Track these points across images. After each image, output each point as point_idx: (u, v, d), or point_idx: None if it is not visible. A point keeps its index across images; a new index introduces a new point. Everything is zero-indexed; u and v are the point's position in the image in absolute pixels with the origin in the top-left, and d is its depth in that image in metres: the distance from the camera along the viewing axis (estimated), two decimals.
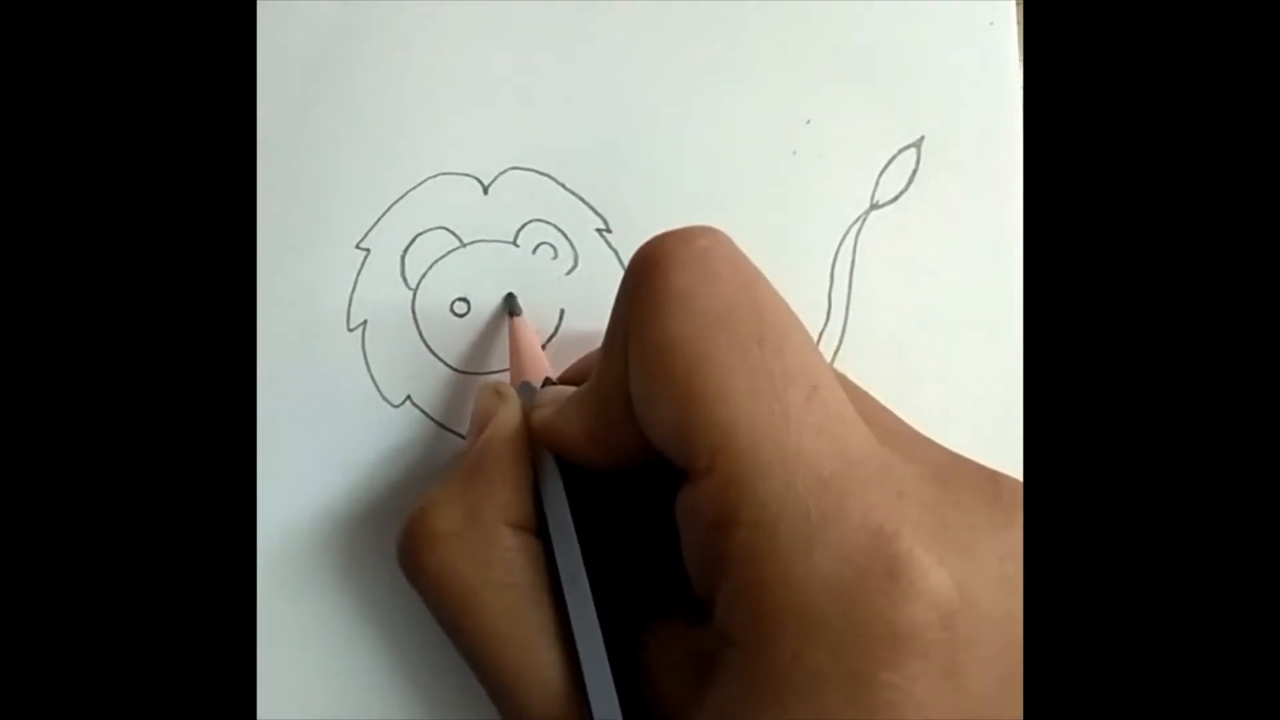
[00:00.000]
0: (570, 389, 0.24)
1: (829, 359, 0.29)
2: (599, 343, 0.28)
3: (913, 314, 0.29)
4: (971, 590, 0.18)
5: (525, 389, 0.25)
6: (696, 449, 0.19)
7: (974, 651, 0.17)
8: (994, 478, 0.20)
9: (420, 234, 0.29)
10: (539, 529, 0.23)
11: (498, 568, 0.22)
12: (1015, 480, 0.20)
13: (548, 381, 0.26)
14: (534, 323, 0.29)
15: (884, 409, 0.23)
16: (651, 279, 0.20)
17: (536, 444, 0.23)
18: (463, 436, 0.28)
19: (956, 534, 0.18)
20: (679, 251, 0.20)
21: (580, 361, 0.27)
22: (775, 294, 0.20)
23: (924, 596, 0.17)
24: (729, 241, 0.21)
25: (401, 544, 0.23)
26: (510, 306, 0.28)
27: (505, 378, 0.28)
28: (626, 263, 0.21)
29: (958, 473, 0.20)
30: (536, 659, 0.21)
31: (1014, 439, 0.28)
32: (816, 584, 0.17)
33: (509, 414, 0.24)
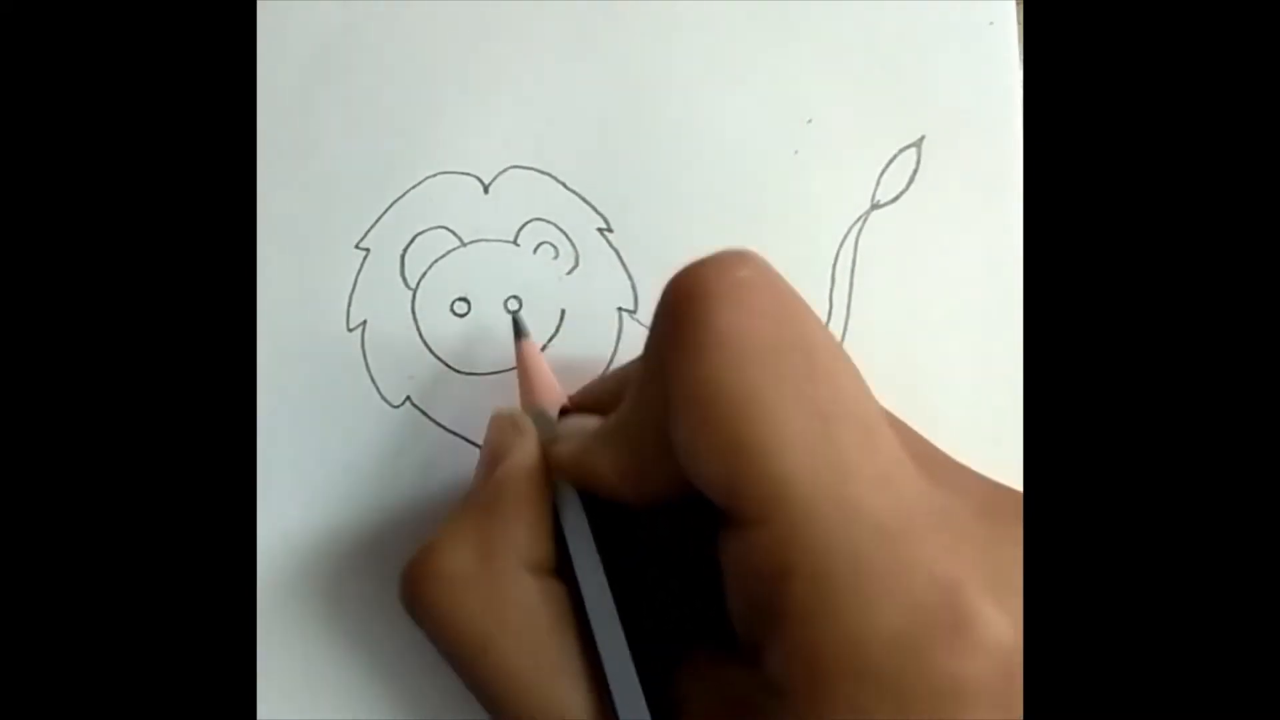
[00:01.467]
0: (591, 419, 0.23)
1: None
2: (600, 345, 0.28)
3: (913, 314, 0.29)
4: (1021, 627, 0.17)
5: (542, 420, 0.24)
6: (748, 498, 0.18)
7: (1022, 686, 0.17)
8: None
9: (420, 233, 0.29)
10: (558, 567, 0.22)
11: (515, 613, 0.21)
12: None
13: (563, 409, 0.25)
14: (534, 322, 0.28)
15: (920, 439, 0.22)
16: (691, 317, 0.19)
17: (556, 478, 0.22)
18: (462, 437, 0.28)
19: (1009, 573, 0.18)
20: (719, 285, 0.19)
21: (596, 385, 0.26)
22: (821, 325, 0.20)
23: (988, 646, 0.17)
24: (770, 269, 0.20)
25: (407, 583, 0.22)
26: (517, 327, 0.26)
27: (505, 379, 0.28)
28: (662, 292, 0.20)
29: (1003, 505, 0.19)
30: (560, 702, 0.21)
31: (1014, 439, 0.28)
32: (878, 639, 0.17)
33: (527, 448, 0.23)
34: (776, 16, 0.29)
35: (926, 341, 0.29)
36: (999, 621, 0.17)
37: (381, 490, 0.28)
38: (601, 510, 0.22)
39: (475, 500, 0.23)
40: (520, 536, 0.22)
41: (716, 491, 0.19)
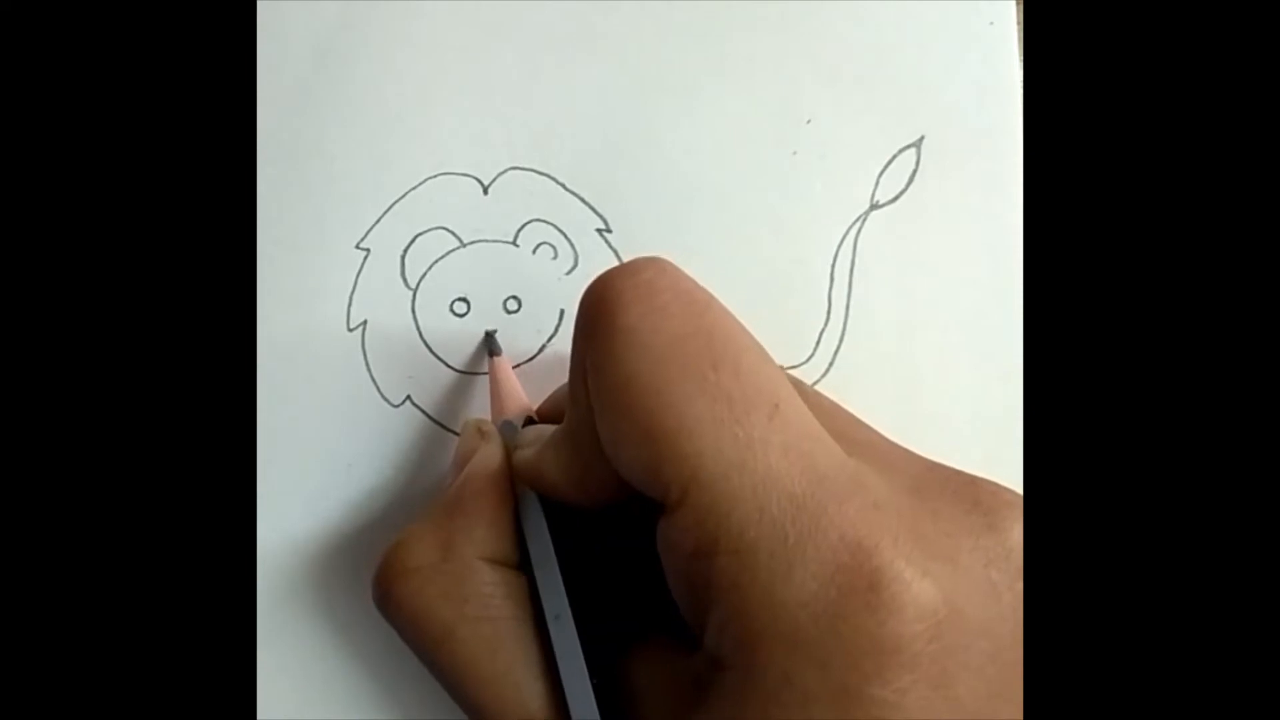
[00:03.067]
0: (546, 428, 0.24)
1: (829, 359, 0.29)
2: None
3: (913, 314, 0.29)
4: (957, 599, 0.18)
5: (507, 428, 0.26)
6: (667, 483, 0.19)
7: (963, 660, 0.17)
8: (972, 483, 0.20)
9: (420, 234, 0.29)
10: (521, 563, 0.23)
11: (474, 602, 0.22)
12: (993, 484, 0.20)
13: (529, 420, 0.26)
14: (534, 322, 0.29)
15: (854, 420, 0.23)
16: (601, 318, 0.20)
17: (519, 482, 0.24)
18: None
19: (937, 543, 0.18)
20: (624, 287, 0.20)
21: (556, 393, 0.27)
22: (728, 316, 0.20)
23: (908, 609, 0.17)
24: (675, 270, 0.21)
25: (376, 580, 0.23)
26: (490, 346, 0.28)
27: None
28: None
29: (934, 481, 0.20)
30: (519, 692, 0.21)
31: (1014, 439, 0.28)
32: (800, 604, 0.17)
33: (489, 452, 0.24)
34: (776, 16, 0.29)
35: (926, 341, 0.29)
36: (920, 583, 0.17)
37: (381, 489, 0.28)
38: (564, 514, 0.23)
39: (438, 502, 0.24)
40: (481, 533, 0.23)
41: (640, 481, 0.20)
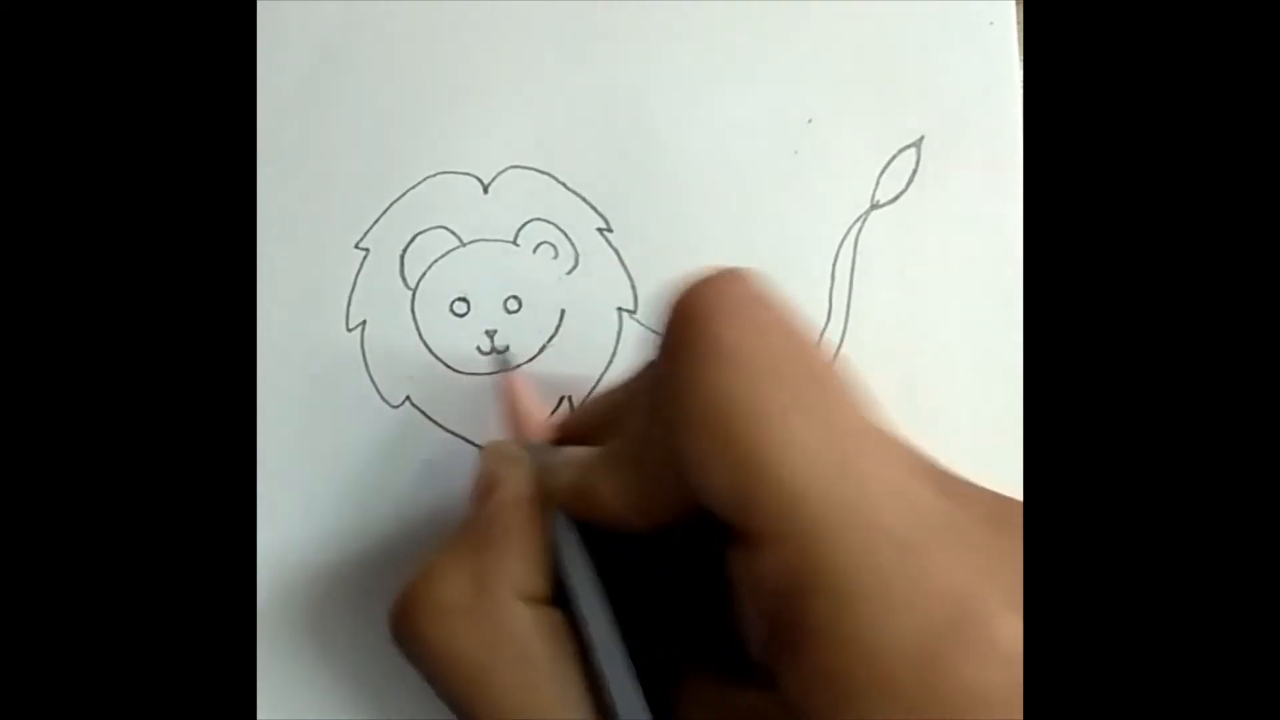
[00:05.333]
0: (585, 449, 0.23)
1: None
2: (599, 345, 0.28)
3: (913, 314, 0.29)
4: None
5: (535, 451, 0.24)
6: (762, 514, 0.18)
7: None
8: None
9: (420, 233, 0.29)
10: (555, 597, 0.21)
11: (510, 645, 0.21)
12: None
13: (557, 441, 0.25)
14: (534, 322, 0.28)
15: (920, 451, 0.21)
16: (697, 334, 0.19)
17: (549, 509, 0.22)
18: (462, 437, 0.28)
19: (1017, 581, 0.18)
20: (722, 301, 0.19)
21: (582, 414, 0.26)
22: (815, 341, 0.19)
23: (1001, 655, 0.17)
24: (768, 285, 0.20)
25: (398, 616, 0.21)
26: (504, 361, 0.27)
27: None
28: (667, 307, 0.20)
29: (1006, 515, 0.19)
30: None
31: (1014, 439, 0.28)
32: (896, 653, 0.17)
33: (520, 478, 0.23)
34: (776, 16, 0.29)
35: (926, 341, 0.29)
36: (1012, 630, 0.17)
37: (381, 490, 0.28)
38: (596, 540, 0.22)
39: (467, 531, 0.22)
40: (515, 567, 0.21)
41: (729, 509, 0.18)
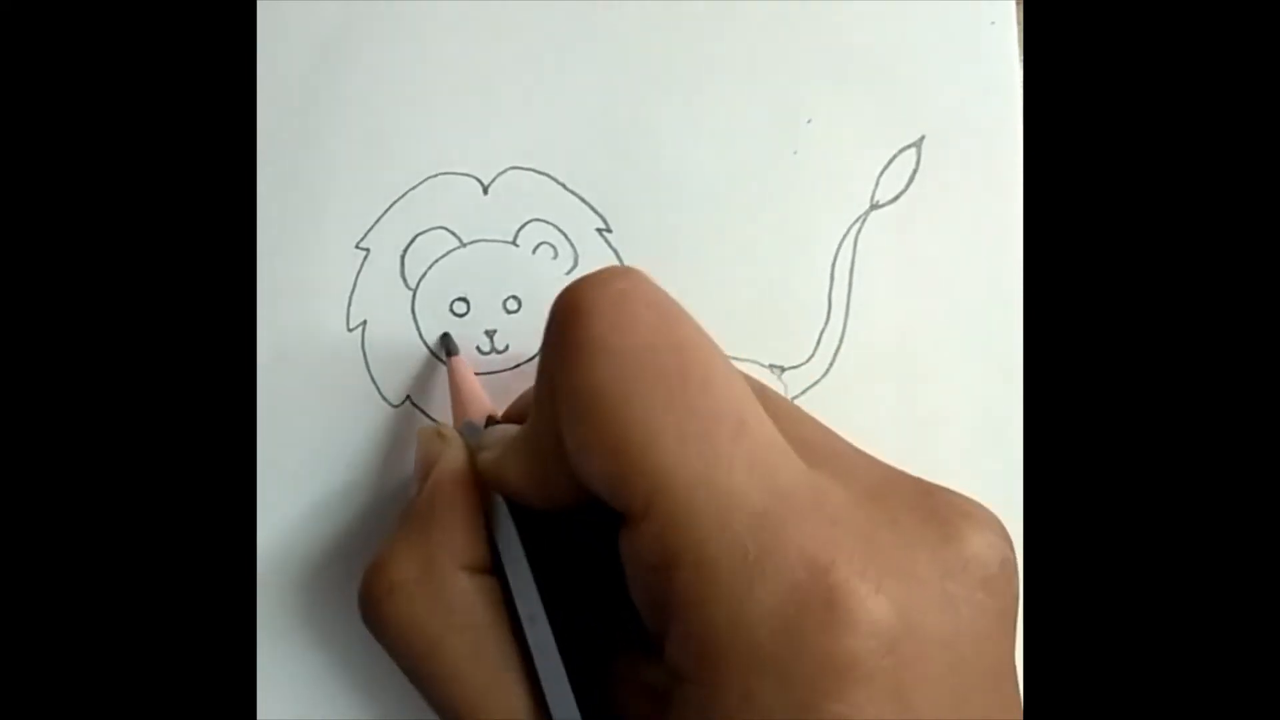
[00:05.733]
0: (512, 428, 0.24)
1: (829, 359, 0.29)
2: None
3: (913, 314, 0.29)
4: (913, 613, 0.18)
5: (469, 429, 0.25)
6: (631, 494, 0.19)
7: (920, 672, 0.17)
8: (929, 493, 0.20)
9: (420, 234, 0.29)
10: (495, 568, 0.23)
11: (457, 612, 0.22)
12: (951, 493, 0.20)
13: (491, 421, 0.26)
14: (534, 322, 0.28)
15: (818, 426, 0.23)
16: (571, 327, 0.20)
17: (485, 484, 0.23)
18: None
19: (894, 556, 0.18)
20: (596, 297, 0.20)
21: (522, 398, 0.27)
22: (698, 330, 0.20)
23: (862, 625, 0.17)
24: (647, 282, 0.21)
25: (362, 598, 0.23)
26: (447, 346, 0.28)
27: (504, 379, 0.28)
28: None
29: (892, 490, 0.20)
30: (504, 700, 0.21)
31: (1014, 439, 0.28)
32: (760, 621, 0.17)
33: (453, 456, 0.24)
34: (776, 16, 0.29)
35: (926, 341, 0.29)
36: (873, 600, 0.17)
37: (381, 489, 0.28)
38: (536, 517, 0.23)
39: (409, 512, 0.24)
40: (456, 540, 0.23)
41: (604, 491, 0.19)
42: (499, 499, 0.23)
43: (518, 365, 0.28)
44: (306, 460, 0.28)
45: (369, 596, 0.23)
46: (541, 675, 0.21)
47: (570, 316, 0.20)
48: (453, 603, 0.22)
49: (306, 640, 0.28)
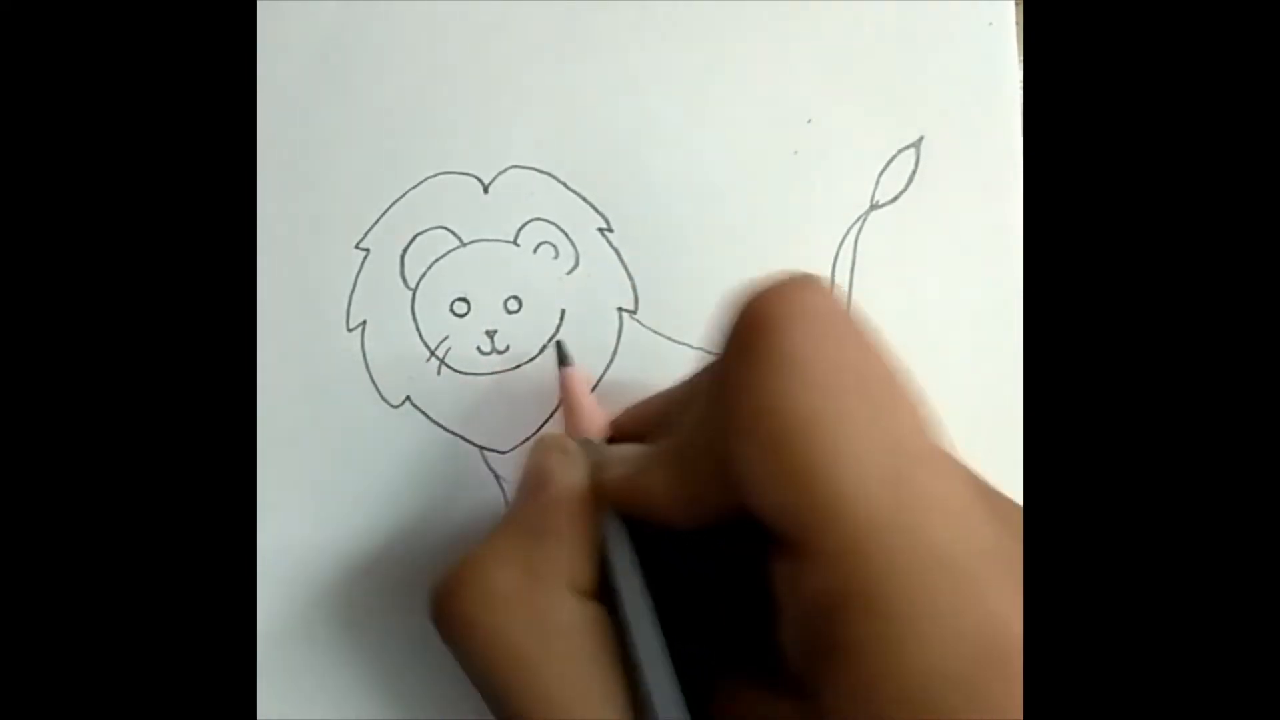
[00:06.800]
0: (637, 447, 0.23)
1: None
2: (600, 345, 0.28)
3: (912, 314, 0.29)
4: None
5: (590, 447, 0.24)
6: (808, 523, 0.18)
7: None
8: None
9: (420, 234, 0.29)
10: (601, 595, 0.22)
11: (559, 635, 0.20)
12: None
13: (611, 439, 0.25)
14: (534, 322, 0.28)
15: (971, 469, 0.21)
16: (760, 340, 0.18)
17: (600, 505, 0.22)
18: (462, 437, 0.28)
19: None
20: (789, 309, 0.19)
21: (636, 409, 0.26)
22: (886, 353, 0.19)
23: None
24: (837, 297, 0.20)
25: (443, 598, 0.21)
26: (560, 356, 0.27)
27: (505, 379, 0.28)
28: (734, 316, 0.20)
29: None
30: None
31: (1014, 439, 0.28)
32: (938, 677, 0.16)
33: (575, 472, 0.23)
34: (776, 17, 0.29)
35: (926, 341, 0.29)
36: None
37: (381, 490, 0.28)
38: (642, 538, 0.22)
39: (519, 520, 0.22)
40: (567, 559, 0.21)
41: (776, 518, 0.18)
42: (617, 523, 0.22)
43: (518, 365, 0.28)
44: (306, 460, 0.28)
45: (455, 596, 0.21)
46: (660, 714, 0.19)
47: (758, 327, 0.19)
48: (558, 627, 0.21)
49: (306, 640, 0.28)
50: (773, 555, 0.19)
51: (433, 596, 0.22)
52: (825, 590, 0.17)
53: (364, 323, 0.28)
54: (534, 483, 0.23)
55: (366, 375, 0.28)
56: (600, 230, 0.29)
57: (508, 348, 0.28)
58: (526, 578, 0.21)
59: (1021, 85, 0.29)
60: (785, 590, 0.18)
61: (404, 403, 0.28)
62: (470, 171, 0.29)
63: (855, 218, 0.29)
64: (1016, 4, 0.29)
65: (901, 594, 0.17)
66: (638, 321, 0.28)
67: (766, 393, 0.18)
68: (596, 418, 0.26)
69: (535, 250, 0.29)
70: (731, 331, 0.19)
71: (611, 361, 0.28)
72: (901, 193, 0.29)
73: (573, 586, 0.21)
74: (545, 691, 0.20)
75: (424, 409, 0.28)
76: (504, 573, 0.21)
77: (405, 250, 0.29)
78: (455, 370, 0.28)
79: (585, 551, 0.21)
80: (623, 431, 0.25)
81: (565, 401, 0.26)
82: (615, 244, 0.29)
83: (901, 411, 0.18)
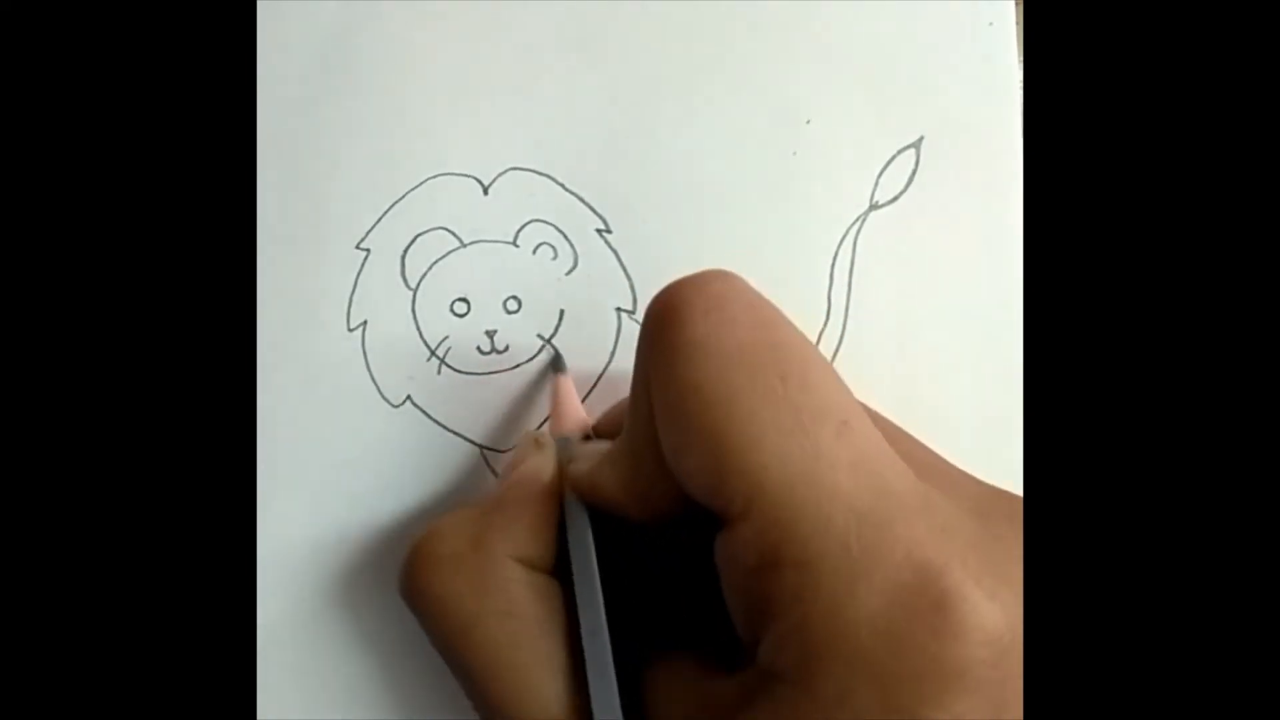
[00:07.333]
0: (603, 444, 0.24)
1: (829, 359, 0.29)
2: (599, 345, 0.28)
3: (913, 314, 0.29)
4: (1019, 625, 0.17)
5: (565, 443, 0.25)
6: (731, 493, 0.19)
7: (1020, 686, 0.17)
8: None
9: (420, 234, 0.29)
10: (556, 570, 0.23)
11: (499, 596, 0.22)
12: None
13: (586, 436, 0.26)
14: (533, 322, 0.29)
15: (918, 443, 0.22)
16: (668, 329, 0.20)
17: (570, 495, 0.23)
18: (463, 437, 0.28)
19: (1003, 568, 0.18)
20: (693, 298, 0.20)
21: (613, 410, 0.27)
22: (796, 331, 0.20)
23: (974, 633, 0.17)
24: (744, 284, 0.21)
25: (404, 566, 0.23)
26: (555, 364, 0.28)
27: (505, 379, 0.28)
28: (646, 304, 0.21)
29: (996, 506, 0.20)
30: (538, 691, 0.21)
31: (1014, 439, 0.28)
32: (863, 622, 0.17)
33: (541, 462, 0.24)
34: (776, 17, 0.29)
35: (925, 341, 0.29)
36: (985, 607, 0.17)
37: (381, 490, 0.28)
38: (611, 532, 0.23)
39: (477, 501, 0.24)
40: (515, 532, 0.23)
41: (703, 492, 0.19)
42: (580, 509, 0.23)
43: (517, 365, 0.28)
44: (306, 460, 0.28)
45: (412, 565, 0.23)
46: (593, 687, 0.21)
47: (666, 317, 0.20)
48: (496, 586, 0.22)
49: (306, 640, 0.28)
50: (716, 534, 0.20)
51: (400, 572, 0.23)
52: (758, 552, 0.18)
53: (364, 322, 0.28)
54: (508, 472, 0.25)
55: (367, 375, 0.28)
56: (599, 231, 0.29)
57: (507, 348, 0.28)
58: (471, 544, 0.22)
59: (1021, 85, 0.29)
60: (724, 562, 0.19)
61: (404, 402, 0.28)
62: (470, 173, 0.29)
63: (855, 218, 0.29)
64: (1016, 4, 0.29)
65: (820, 546, 0.18)
66: (636, 322, 0.28)
67: (678, 377, 0.19)
68: (579, 419, 0.27)
69: (535, 251, 0.29)
70: (645, 324, 0.21)
71: (610, 361, 0.28)
72: (901, 193, 0.29)
73: (518, 555, 0.22)
74: (484, 647, 0.21)
75: (424, 408, 0.28)
76: (453, 540, 0.23)
77: (406, 250, 0.29)
78: (455, 370, 0.28)
79: (539, 529, 0.23)
80: (601, 432, 0.26)
81: (553, 403, 0.27)
82: (614, 245, 0.29)
83: (805, 380, 0.19)
